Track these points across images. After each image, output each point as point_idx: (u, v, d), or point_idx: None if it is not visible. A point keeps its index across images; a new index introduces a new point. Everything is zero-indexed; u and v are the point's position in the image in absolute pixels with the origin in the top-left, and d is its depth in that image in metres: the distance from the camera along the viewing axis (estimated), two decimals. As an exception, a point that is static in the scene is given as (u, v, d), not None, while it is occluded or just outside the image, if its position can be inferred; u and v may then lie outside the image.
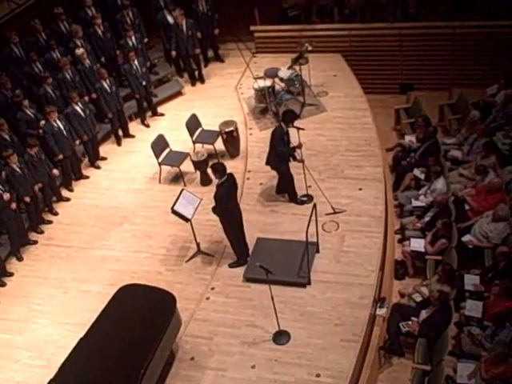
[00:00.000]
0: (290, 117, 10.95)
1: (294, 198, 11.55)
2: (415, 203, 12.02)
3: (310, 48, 13.66)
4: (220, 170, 9.93)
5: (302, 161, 11.00)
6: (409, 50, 15.46)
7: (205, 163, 12.39)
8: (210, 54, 16.34)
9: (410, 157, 13.09)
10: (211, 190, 10.55)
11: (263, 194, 11.94)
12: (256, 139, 13.56)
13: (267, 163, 11.26)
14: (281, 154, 10.90)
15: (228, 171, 10.11)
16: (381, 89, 16.03)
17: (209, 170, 11.31)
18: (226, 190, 9.90)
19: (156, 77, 15.88)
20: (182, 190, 10.72)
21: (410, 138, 13.58)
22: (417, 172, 12.57)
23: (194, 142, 13.39)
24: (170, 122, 14.74)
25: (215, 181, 10.13)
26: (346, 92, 14.54)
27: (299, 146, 11.02)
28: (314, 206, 10.14)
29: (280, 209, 11.61)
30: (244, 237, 10.57)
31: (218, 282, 10.58)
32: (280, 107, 13.58)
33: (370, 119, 13.62)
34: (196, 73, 15.82)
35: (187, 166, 12.94)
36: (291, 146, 10.92)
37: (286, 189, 11.49)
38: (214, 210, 10.02)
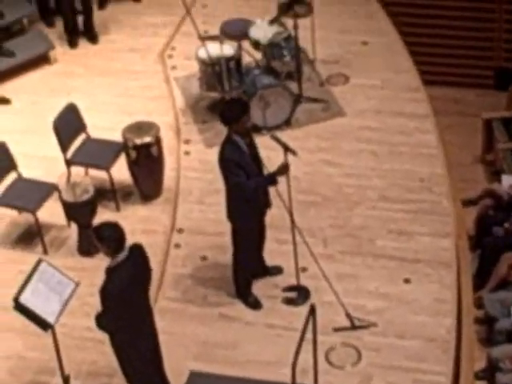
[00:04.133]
0: (234, 113, 8.09)
1: (242, 292, 8.86)
2: (519, 317, 9.83)
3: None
4: (112, 237, 7.26)
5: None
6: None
7: (89, 208, 9.74)
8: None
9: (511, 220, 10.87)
10: (100, 264, 8.08)
11: (207, 281, 9.50)
12: (198, 163, 10.91)
13: (229, 216, 8.57)
14: (239, 188, 8.13)
15: (131, 240, 7.56)
16: (457, 77, 13.59)
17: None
18: (122, 283, 7.26)
19: (-1, 22, 13.03)
20: (39, 263, 7.95)
21: (511, 182, 11.44)
22: (523, 252, 10.33)
23: (70, 163, 10.41)
24: (22, 117, 11.66)
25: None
26: (387, 78, 11.83)
27: (283, 168, 8.27)
28: (312, 310, 7.72)
29: (240, 312, 9.13)
30: (162, 373, 7.89)
31: None
32: (251, 100, 10.80)
33: (434, 138, 10.84)
34: (81, 20, 12.58)
35: (52, 212, 10.02)
36: (265, 171, 8.53)
37: (234, 265, 8.73)
38: (100, 322, 7.42)
